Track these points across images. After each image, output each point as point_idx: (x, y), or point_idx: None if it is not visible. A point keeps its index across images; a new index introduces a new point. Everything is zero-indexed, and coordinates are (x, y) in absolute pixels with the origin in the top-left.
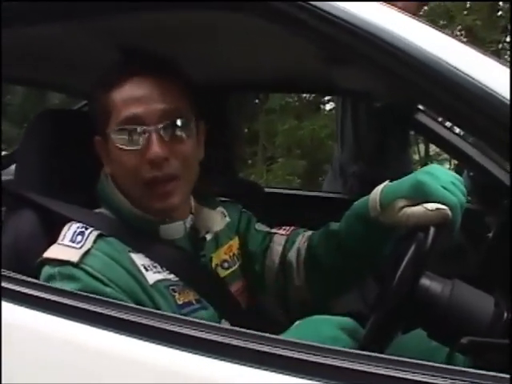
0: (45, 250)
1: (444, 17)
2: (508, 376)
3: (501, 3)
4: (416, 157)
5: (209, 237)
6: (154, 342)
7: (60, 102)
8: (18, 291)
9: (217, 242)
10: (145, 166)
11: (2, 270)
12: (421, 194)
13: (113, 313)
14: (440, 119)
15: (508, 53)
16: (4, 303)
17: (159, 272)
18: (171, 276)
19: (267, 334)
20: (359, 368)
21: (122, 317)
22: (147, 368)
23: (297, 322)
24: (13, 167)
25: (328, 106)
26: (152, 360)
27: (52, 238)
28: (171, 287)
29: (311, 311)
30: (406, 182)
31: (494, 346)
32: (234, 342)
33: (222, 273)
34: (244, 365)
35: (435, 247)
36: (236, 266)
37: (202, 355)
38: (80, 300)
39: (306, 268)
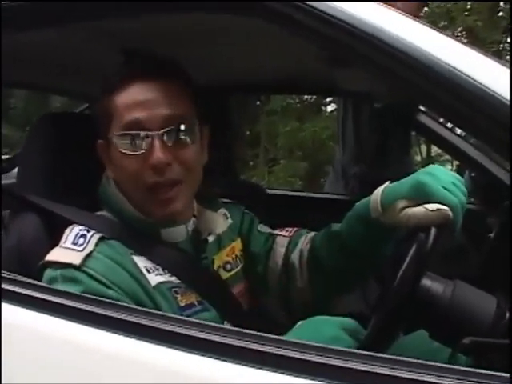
0: (48, 252)
1: (445, 18)
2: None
3: (502, 4)
4: (418, 158)
5: (211, 239)
6: (154, 343)
7: (62, 105)
8: (20, 293)
9: (219, 244)
10: (147, 171)
11: (4, 272)
12: (422, 195)
13: (112, 313)
14: (441, 120)
15: (509, 53)
16: (5, 304)
17: (161, 274)
18: (173, 278)
19: (268, 335)
20: (362, 368)
21: (121, 317)
22: (147, 368)
23: (299, 323)
24: (15, 170)
25: (329, 108)
26: (152, 360)
27: (55, 241)
28: (173, 289)
29: (313, 312)
30: (407, 182)
31: (495, 347)
32: (235, 343)
33: (225, 275)
34: (245, 365)
35: (436, 248)
36: (238, 268)
37: (203, 355)
38: (80, 301)
39: (308, 269)
